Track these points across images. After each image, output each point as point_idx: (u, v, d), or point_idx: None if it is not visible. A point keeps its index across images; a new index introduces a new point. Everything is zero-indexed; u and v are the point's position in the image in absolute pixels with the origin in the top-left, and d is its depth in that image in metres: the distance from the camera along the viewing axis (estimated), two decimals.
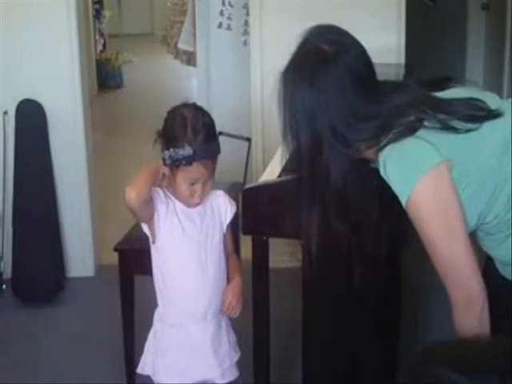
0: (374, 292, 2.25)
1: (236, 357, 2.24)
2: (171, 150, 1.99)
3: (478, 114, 1.71)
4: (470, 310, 1.67)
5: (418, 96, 1.77)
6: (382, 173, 1.71)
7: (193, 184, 2.04)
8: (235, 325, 2.28)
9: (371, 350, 2.36)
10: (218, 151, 2.07)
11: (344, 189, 1.74)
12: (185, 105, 2.09)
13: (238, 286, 2.18)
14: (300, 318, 2.61)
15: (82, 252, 3.87)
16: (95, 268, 3.92)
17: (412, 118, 1.70)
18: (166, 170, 2.05)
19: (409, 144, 1.68)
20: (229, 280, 2.20)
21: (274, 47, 3.69)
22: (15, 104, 3.67)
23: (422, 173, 1.64)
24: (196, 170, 2.01)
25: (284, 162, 1.94)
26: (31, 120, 3.69)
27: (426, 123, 1.69)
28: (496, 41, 5.02)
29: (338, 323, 2.57)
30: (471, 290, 1.67)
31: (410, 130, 1.68)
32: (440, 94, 1.80)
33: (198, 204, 2.10)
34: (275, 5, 3.71)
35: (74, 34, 3.68)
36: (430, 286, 3.47)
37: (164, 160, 2.02)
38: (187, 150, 1.97)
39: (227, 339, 2.22)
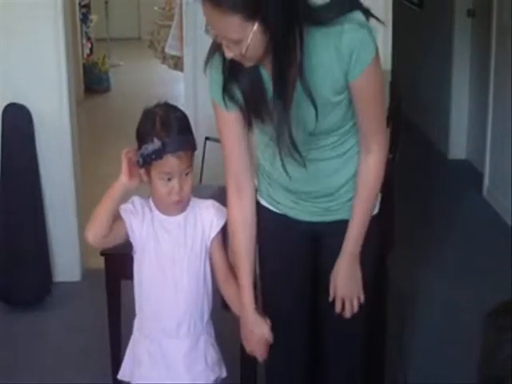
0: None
1: (213, 376, 2.14)
2: (142, 148, 1.95)
3: None
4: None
5: None
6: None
7: (169, 179, 1.98)
8: (221, 338, 2.23)
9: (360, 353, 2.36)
10: (192, 144, 2.02)
11: None
12: (157, 105, 2.05)
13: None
14: None
15: (68, 256, 3.86)
16: (82, 272, 3.91)
17: None
18: (142, 173, 1.99)
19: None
20: (227, 307, 2.14)
21: None
22: (1, 108, 3.66)
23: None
24: (168, 163, 1.95)
25: None
26: (18, 124, 3.67)
27: None
28: (482, 47, 5.06)
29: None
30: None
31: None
32: None
33: (179, 203, 2.02)
34: None
35: (61, 37, 3.68)
36: (414, 291, 3.49)
37: (138, 162, 1.96)
38: (156, 144, 1.92)
39: (204, 358, 2.12)
